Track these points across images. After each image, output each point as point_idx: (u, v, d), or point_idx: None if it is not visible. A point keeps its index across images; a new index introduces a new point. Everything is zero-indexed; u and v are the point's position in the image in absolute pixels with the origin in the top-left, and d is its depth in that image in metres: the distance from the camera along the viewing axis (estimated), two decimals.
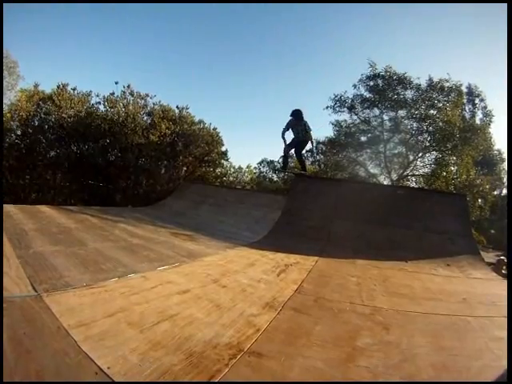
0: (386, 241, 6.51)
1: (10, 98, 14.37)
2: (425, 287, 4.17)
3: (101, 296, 2.79)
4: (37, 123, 15.21)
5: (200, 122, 18.19)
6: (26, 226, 5.53)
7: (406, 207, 7.60)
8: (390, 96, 19.71)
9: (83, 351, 1.88)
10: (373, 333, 2.58)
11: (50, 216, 7.08)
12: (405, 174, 20.73)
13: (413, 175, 20.96)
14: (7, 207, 7.58)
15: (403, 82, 19.45)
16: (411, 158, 20.57)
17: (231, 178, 21.46)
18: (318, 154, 23.36)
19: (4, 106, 14.46)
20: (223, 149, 18.98)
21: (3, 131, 13.32)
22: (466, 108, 24.46)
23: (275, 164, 24.46)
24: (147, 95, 17.42)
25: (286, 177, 22.60)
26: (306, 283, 3.93)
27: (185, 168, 17.19)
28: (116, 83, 16.79)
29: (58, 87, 16.01)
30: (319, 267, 4.88)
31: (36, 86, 16.55)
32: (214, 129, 18.42)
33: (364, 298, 3.46)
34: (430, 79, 19.34)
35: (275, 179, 23.79)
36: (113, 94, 16.63)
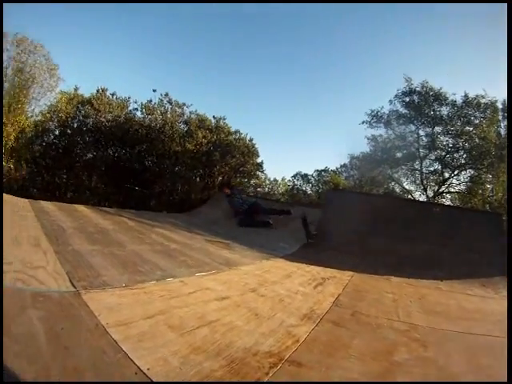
0: (421, 258, 6.41)
1: (49, 99, 14.91)
2: (460, 306, 4.10)
3: (140, 297, 2.82)
4: (75, 125, 15.69)
5: (236, 131, 18.29)
6: (63, 224, 5.70)
7: (441, 225, 7.48)
8: (426, 112, 19.45)
9: (123, 350, 1.88)
10: (410, 349, 2.54)
11: (87, 216, 7.28)
12: (440, 190, 20.33)
13: (448, 192, 20.53)
14: (44, 204, 7.87)
15: (439, 98, 19.19)
16: (447, 175, 20.20)
17: (266, 190, 21.43)
18: (352, 169, 23.18)
19: (44, 106, 15.05)
20: (259, 160, 18.89)
21: (42, 131, 13.68)
22: (502, 125, 23.92)
23: (309, 178, 24.41)
24: (184, 104, 17.72)
25: (319, 190, 22.51)
26: (343, 297, 3.91)
27: (220, 177, 17.27)
28: (154, 91, 17.24)
29: (98, 91, 16.56)
30: (355, 282, 4.86)
31: (76, 89, 17.15)
32: (251, 140, 18.45)
33: (400, 314, 3.42)
34: (466, 95, 18.91)
35: (309, 192, 23.67)
36: (150, 101, 17.04)
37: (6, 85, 13.29)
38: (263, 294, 3.58)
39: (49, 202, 8.38)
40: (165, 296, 2.94)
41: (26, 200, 7.61)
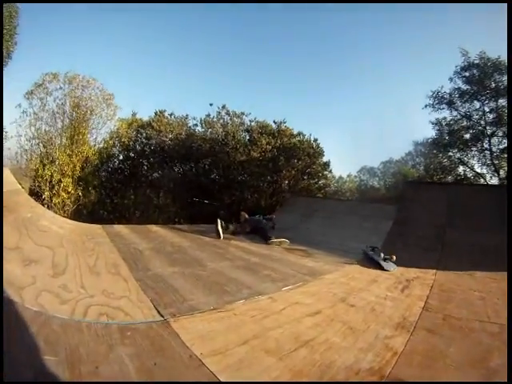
0: (502, 249, 6.08)
1: (110, 127, 15.76)
2: None
3: (231, 320, 2.79)
4: (138, 148, 16.53)
5: (299, 133, 18.29)
6: (139, 246, 5.78)
7: None
8: (488, 85, 18.46)
9: (222, 383, 1.85)
10: (503, 353, 2.46)
11: (162, 235, 7.40)
12: None
13: None
14: (117, 227, 8.11)
15: (498, 67, 18.02)
16: None
17: (333, 188, 21.24)
18: (417, 157, 22.53)
19: (105, 134, 15.86)
20: (324, 159, 18.82)
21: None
22: None
23: (375, 171, 24.09)
24: (242, 113, 17.96)
25: (387, 183, 22.10)
26: (431, 299, 3.81)
27: (286, 181, 17.32)
28: (210, 105, 17.75)
29: (156, 114, 17.46)
30: (439, 281, 4.70)
31: (134, 114, 18.39)
32: (315, 140, 18.39)
33: (490, 314, 3.31)
34: None
35: (376, 186, 23.30)
36: (209, 115, 17.54)
37: (66, 120, 14.28)
38: (353, 303, 3.53)
39: (122, 226, 8.61)
40: (256, 316, 2.92)
41: (99, 226, 7.77)
